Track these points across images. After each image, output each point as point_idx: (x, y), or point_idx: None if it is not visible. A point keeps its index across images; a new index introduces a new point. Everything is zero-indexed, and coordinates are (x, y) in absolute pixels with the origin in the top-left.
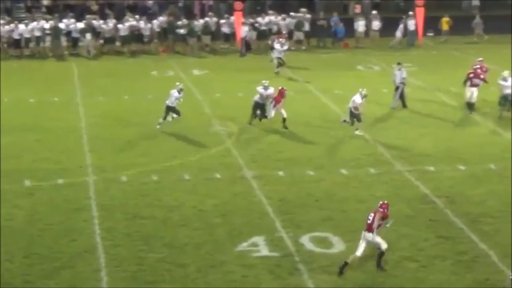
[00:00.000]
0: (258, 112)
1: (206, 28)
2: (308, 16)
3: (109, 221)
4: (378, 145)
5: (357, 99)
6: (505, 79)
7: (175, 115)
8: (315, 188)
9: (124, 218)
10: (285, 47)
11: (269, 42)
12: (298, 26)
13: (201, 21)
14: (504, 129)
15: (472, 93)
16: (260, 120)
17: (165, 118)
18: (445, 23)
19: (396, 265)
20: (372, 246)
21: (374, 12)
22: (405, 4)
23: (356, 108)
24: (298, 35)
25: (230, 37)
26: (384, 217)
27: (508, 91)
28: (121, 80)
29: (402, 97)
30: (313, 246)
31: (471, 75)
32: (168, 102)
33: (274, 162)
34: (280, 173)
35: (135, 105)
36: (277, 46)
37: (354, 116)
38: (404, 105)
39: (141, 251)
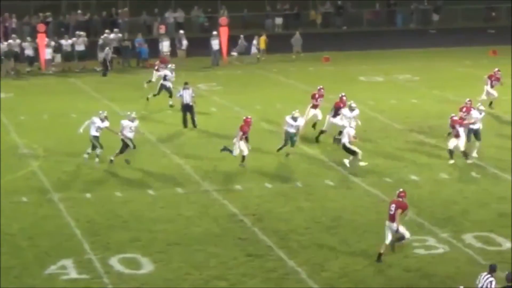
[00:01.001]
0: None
1: (9, 51)
2: (112, 36)
3: None
4: (184, 164)
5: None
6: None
7: None
8: (123, 209)
9: None
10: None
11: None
12: (103, 47)
13: (5, 44)
14: (309, 146)
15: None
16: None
17: None
18: (262, 41)
19: (205, 284)
20: None
21: (181, 31)
22: (209, 23)
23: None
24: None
25: (34, 59)
26: (402, 207)
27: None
28: None
29: (192, 116)
30: (122, 267)
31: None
32: None
33: (81, 184)
34: (88, 195)
35: None
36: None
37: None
38: (194, 125)
39: None
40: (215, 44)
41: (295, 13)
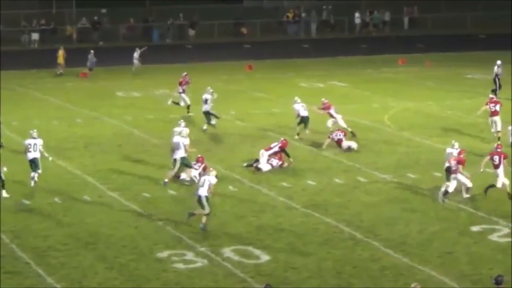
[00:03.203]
0: None
1: None
2: None
3: None
4: None
5: None
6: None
7: None
8: None
9: None
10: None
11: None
12: None
13: None
14: (66, 161)
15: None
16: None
17: None
18: (61, 56)
19: None
20: None
21: None
22: None
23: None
24: None
25: None
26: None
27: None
28: None
29: None
30: None
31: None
32: None
33: None
34: None
35: None
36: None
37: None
38: None
39: None
40: None
41: (52, 28)
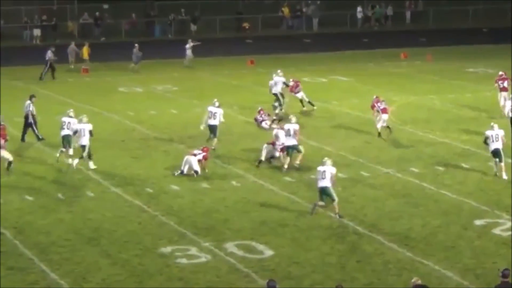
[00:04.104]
0: None
1: None
2: None
3: None
4: None
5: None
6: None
7: None
8: None
9: None
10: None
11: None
12: None
13: None
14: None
15: None
16: None
17: None
18: (85, 51)
19: None
20: None
21: None
22: None
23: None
24: None
25: None
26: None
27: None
28: None
29: None
30: None
31: None
32: None
33: None
34: None
35: None
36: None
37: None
38: None
39: None
40: None
41: (53, 24)
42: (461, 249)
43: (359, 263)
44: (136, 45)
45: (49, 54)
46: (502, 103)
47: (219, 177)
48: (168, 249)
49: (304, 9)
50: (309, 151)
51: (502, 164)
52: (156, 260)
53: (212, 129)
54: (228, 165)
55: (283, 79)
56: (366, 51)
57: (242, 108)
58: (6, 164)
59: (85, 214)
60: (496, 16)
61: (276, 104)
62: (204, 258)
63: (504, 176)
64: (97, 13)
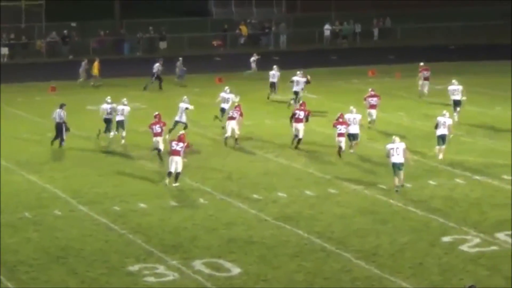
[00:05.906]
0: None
1: None
2: None
3: None
4: None
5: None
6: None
7: None
8: None
9: None
10: None
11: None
12: None
13: None
14: (40, 178)
15: None
16: None
17: None
18: (96, 67)
19: None
20: None
21: None
22: None
23: None
24: None
25: None
26: None
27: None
28: None
29: None
30: None
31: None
32: None
33: None
34: None
35: None
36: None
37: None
38: None
39: None
40: None
41: (22, 43)
42: (428, 266)
43: (327, 281)
44: (180, 58)
45: (157, 66)
46: (369, 119)
47: (187, 195)
48: (135, 268)
49: (273, 28)
50: (277, 168)
51: (443, 147)
52: (123, 279)
53: (223, 111)
54: (196, 182)
55: (304, 79)
56: (335, 68)
57: (211, 126)
58: None
59: (53, 233)
60: (464, 33)
61: (292, 102)
62: (171, 276)
63: (440, 156)
64: (65, 31)
